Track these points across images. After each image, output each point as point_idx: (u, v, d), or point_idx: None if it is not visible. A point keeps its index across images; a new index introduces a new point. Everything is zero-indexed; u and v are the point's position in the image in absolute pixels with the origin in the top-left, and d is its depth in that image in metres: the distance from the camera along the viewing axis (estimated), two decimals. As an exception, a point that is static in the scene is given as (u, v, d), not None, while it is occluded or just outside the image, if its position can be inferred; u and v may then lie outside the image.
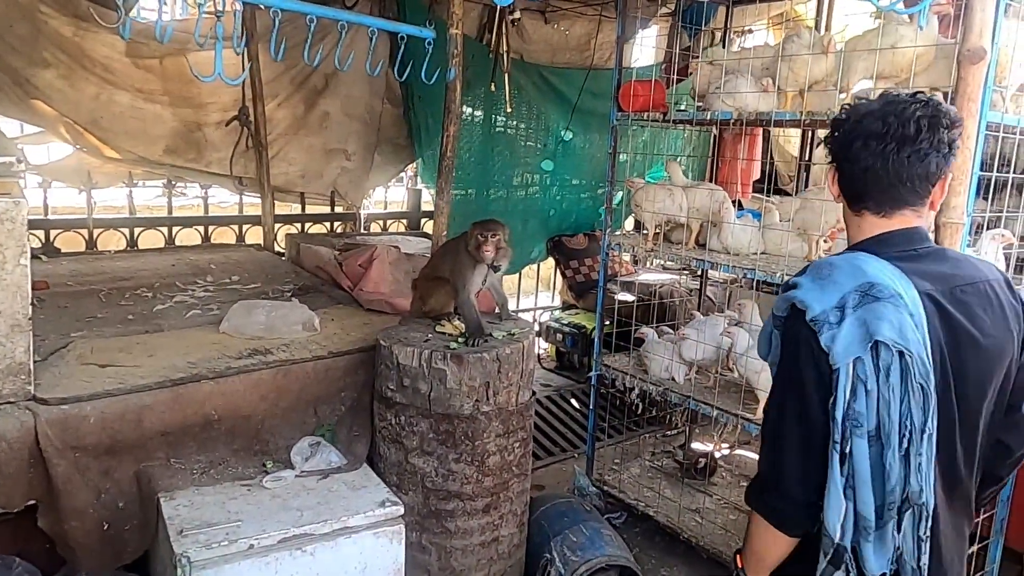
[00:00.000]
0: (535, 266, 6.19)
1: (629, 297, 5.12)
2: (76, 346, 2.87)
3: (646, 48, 5.71)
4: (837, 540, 1.36)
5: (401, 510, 2.54)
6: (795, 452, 1.43)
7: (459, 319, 2.97)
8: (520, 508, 2.98)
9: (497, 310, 3.19)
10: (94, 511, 2.50)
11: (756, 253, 3.31)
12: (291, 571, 2.33)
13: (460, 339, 2.83)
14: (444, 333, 2.91)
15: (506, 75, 4.70)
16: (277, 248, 4.84)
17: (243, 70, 3.74)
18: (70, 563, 2.56)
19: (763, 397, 3.13)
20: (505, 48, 4.66)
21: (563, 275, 5.97)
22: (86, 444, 2.45)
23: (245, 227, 4.94)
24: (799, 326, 1.40)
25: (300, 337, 3.11)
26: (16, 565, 2.65)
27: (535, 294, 6.68)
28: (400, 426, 2.77)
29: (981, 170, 2.42)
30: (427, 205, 5.77)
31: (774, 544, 1.51)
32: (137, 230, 4.52)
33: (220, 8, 2.64)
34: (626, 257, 6.23)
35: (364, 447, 2.86)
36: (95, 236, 4.34)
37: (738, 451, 4.57)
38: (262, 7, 3.49)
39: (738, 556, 1.62)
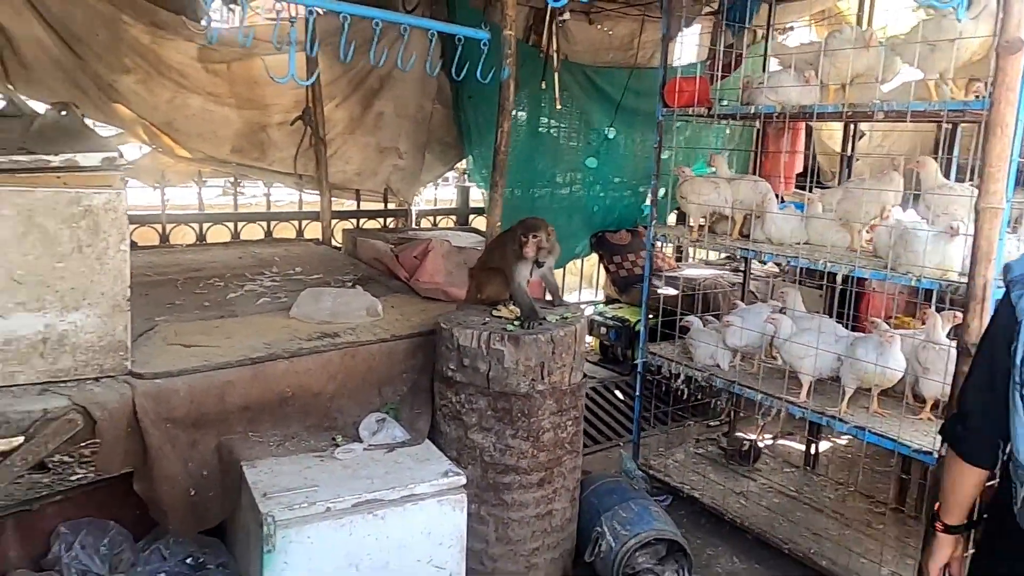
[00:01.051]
0: (577, 262, 6.34)
1: (672, 291, 5.24)
2: (161, 329, 3.11)
3: (689, 45, 5.82)
4: None
5: (463, 480, 2.71)
6: (980, 389, 1.70)
7: (514, 304, 3.14)
8: (572, 484, 3.14)
9: (549, 297, 3.35)
10: (182, 478, 2.72)
11: (799, 243, 3.42)
12: (364, 533, 2.52)
13: (515, 322, 3.00)
14: (500, 317, 3.09)
15: (556, 74, 4.86)
16: (334, 242, 5.08)
17: (307, 73, 3.96)
18: (161, 526, 2.79)
19: (806, 382, 3.24)
20: (556, 48, 4.82)
21: (607, 270, 6.11)
22: (176, 416, 2.68)
23: (304, 223, 5.19)
24: (1005, 286, 1.66)
25: (364, 322, 3.31)
26: (111, 528, 2.91)
27: (579, 289, 6.82)
28: (460, 404, 2.95)
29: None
30: (475, 202, 5.96)
31: (959, 477, 1.76)
32: (206, 225, 4.80)
33: (294, 15, 2.83)
34: (668, 252, 6.36)
35: (426, 424, 3.04)
36: (168, 231, 4.63)
37: (781, 441, 4.66)
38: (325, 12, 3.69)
39: (936, 505, 1.88)
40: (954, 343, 2.74)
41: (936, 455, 2.69)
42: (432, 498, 2.64)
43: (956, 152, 3.57)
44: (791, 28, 5.95)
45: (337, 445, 2.86)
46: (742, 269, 5.01)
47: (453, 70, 3.40)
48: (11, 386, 2.45)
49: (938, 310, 3.04)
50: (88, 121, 4.08)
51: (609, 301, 6.26)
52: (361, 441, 2.89)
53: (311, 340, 3.06)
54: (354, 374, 3.08)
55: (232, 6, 3.03)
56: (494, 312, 3.14)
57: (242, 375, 2.81)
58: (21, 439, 2.40)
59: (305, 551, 2.44)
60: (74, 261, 2.45)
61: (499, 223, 3.53)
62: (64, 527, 2.86)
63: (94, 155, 2.47)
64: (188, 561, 2.88)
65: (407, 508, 2.60)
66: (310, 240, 5.05)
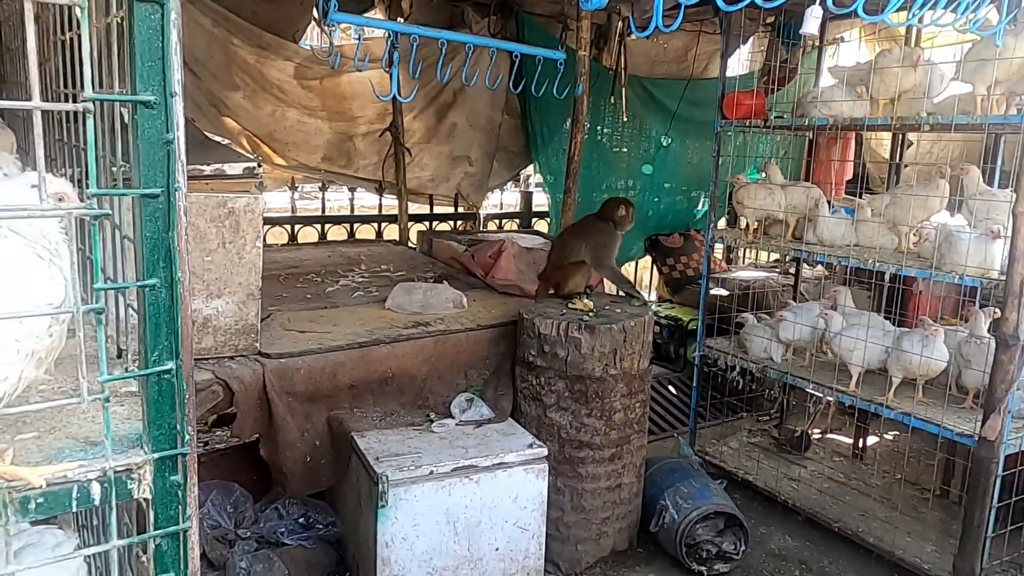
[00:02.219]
0: (627, 265, 6.65)
1: (724, 292, 5.52)
2: (275, 317, 3.53)
3: (741, 59, 6.11)
4: None
5: (545, 452, 3.07)
6: None
7: (588, 298, 3.49)
8: (639, 461, 3.47)
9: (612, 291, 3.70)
10: (300, 445, 3.12)
11: (849, 245, 3.69)
12: (461, 494, 2.89)
13: (590, 314, 3.35)
14: (576, 309, 3.44)
15: (623, 88, 5.21)
16: (410, 243, 5.49)
17: (392, 90, 4.37)
18: (281, 486, 3.20)
19: (856, 372, 3.51)
20: (624, 65, 5.17)
21: (660, 272, 6.40)
22: (296, 391, 3.08)
23: (383, 225, 5.62)
24: None
25: (451, 313, 3.70)
26: (235, 490, 3.34)
27: (632, 290, 7.12)
28: (540, 386, 3.31)
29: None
30: (537, 206, 6.33)
31: None
32: (296, 227, 5.25)
33: (396, 39, 3.23)
34: (718, 255, 6.63)
35: (508, 404, 3.40)
36: (264, 232, 5.09)
37: (830, 435, 4.90)
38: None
39: None
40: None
41: (976, 438, 2.95)
42: (519, 466, 3.00)
43: (1000, 160, 3.80)
44: (841, 39, 6.18)
45: (431, 421, 3.24)
46: (791, 271, 5.27)
47: (532, 87, 3.77)
48: (165, 361, 2.87)
49: (982, 307, 3.29)
50: (199, 133, 4.57)
51: (661, 301, 6.55)
52: (452, 417, 3.26)
53: (407, 328, 3.45)
54: (444, 358, 3.45)
55: (328, 29, 3.43)
56: (570, 305, 3.49)
57: (351, 357, 3.21)
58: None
59: (412, 508, 2.82)
60: (219, 255, 2.87)
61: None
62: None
63: (238, 165, 2.90)
64: (301, 520, 3.29)
65: (497, 474, 2.96)
66: (389, 241, 5.48)
